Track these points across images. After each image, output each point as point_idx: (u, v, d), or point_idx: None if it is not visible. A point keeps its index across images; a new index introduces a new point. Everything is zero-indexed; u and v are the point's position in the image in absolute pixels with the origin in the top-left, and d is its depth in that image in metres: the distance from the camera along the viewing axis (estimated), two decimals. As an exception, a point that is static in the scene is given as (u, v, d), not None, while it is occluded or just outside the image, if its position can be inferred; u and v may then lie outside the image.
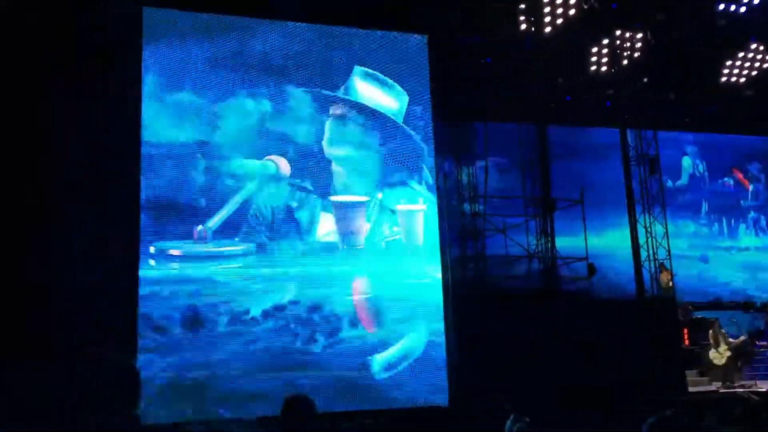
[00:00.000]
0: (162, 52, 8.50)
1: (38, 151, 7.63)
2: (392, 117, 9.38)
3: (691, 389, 9.82)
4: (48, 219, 7.56)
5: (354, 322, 8.74)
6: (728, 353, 10.75)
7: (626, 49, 11.02)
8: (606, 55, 11.16)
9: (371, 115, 9.29)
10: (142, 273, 8.01)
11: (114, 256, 7.81)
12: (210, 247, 8.36)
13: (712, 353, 10.86)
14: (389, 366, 8.78)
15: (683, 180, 13.88)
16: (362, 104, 9.26)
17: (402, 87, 9.45)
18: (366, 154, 9.28)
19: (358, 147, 9.25)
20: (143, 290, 7.96)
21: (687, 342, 11.26)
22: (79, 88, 7.76)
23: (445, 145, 10.05)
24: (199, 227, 8.34)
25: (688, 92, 12.23)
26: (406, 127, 9.44)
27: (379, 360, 8.73)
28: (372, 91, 9.30)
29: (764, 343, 11.87)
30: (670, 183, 13.39)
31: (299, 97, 8.98)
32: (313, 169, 8.96)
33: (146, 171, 8.24)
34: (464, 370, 8.97)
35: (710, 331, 11.07)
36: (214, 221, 8.43)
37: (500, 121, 11.30)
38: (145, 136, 8.29)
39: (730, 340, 10.96)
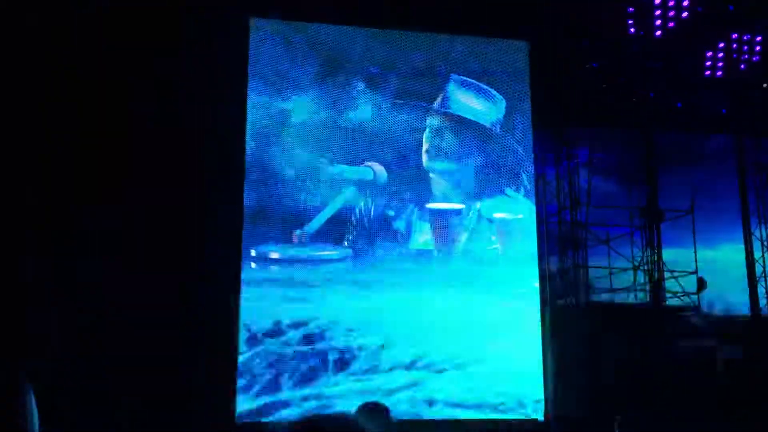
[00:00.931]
0: (262, 59, 8.76)
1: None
2: (490, 126, 9.28)
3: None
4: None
5: (447, 329, 8.69)
6: None
7: (744, 53, 10.51)
8: (721, 58, 10.66)
9: (469, 126, 9.23)
10: (244, 275, 8.31)
11: (216, 259, 8.06)
12: (308, 251, 8.54)
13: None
14: (484, 374, 8.67)
15: None
16: (460, 116, 9.21)
17: (501, 93, 9.32)
18: (464, 163, 9.23)
19: (457, 157, 9.22)
20: (245, 293, 8.25)
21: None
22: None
23: (545, 153, 9.84)
24: (298, 231, 8.54)
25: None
26: (505, 135, 9.31)
27: (474, 368, 8.65)
28: (470, 101, 9.23)
29: None
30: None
31: (395, 107, 9.02)
32: (410, 179, 9.01)
33: (248, 175, 8.52)
34: (561, 384, 8.76)
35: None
36: (312, 225, 8.61)
37: (604, 126, 10.92)
38: (247, 141, 8.57)
39: None
